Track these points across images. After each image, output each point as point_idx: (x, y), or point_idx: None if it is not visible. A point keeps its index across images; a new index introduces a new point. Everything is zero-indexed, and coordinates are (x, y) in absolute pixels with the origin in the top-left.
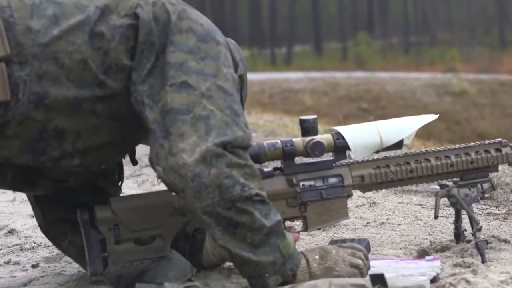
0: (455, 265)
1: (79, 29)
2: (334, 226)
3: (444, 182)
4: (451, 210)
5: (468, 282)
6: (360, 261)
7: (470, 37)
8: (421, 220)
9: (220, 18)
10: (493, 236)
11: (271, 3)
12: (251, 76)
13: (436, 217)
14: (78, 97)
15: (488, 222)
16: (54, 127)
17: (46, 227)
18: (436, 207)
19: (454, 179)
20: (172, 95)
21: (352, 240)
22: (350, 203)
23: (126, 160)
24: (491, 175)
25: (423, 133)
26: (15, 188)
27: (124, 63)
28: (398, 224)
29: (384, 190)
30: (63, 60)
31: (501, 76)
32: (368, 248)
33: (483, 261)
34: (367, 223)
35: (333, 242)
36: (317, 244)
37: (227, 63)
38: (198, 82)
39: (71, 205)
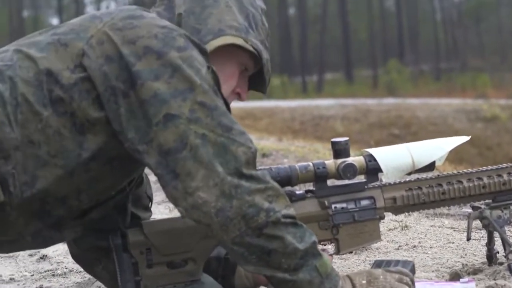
0: None
1: (39, 104)
2: (366, 249)
3: (476, 204)
4: (484, 233)
5: None
6: (405, 287)
7: (501, 63)
8: (453, 243)
9: None
10: None
11: (301, 31)
12: (281, 104)
13: (468, 239)
14: (67, 167)
15: None
16: (53, 198)
17: (78, 255)
18: (469, 229)
19: (487, 201)
20: (162, 134)
21: (397, 262)
22: (382, 226)
23: (158, 186)
24: None
25: (455, 158)
26: (40, 246)
27: (95, 116)
28: (430, 247)
29: (416, 214)
30: (39, 139)
31: None
32: (413, 271)
33: None
34: (399, 246)
35: (377, 263)
36: (349, 268)
37: (196, 64)
38: (179, 106)
39: (103, 233)
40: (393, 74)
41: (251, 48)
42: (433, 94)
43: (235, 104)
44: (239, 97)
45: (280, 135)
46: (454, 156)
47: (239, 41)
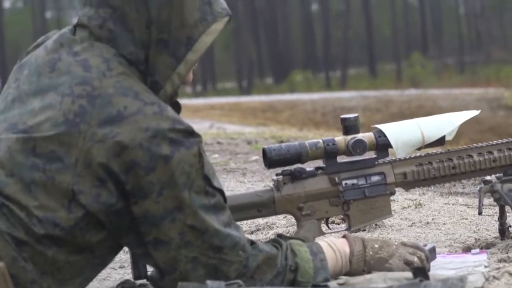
0: (500, 261)
1: (41, 245)
2: (379, 226)
3: (487, 178)
4: (497, 209)
5: (511, 274)
6: (415, 259)
7: None
8: (466, 219)
9: (274, 43)
10: None
11: (324, 27)
12: (303, 97)
13: (480, 213)
14: (82, 277)
15: None
16: None
17: None
18: (480, 203)
19: (498, 174)
20: (153, 253)
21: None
22: (396, 205)
23: None
24: None
25: None
26: None
27: (98, 238)
28: (444, 224)
29: (430, 192)
30: (51, 270)
31: None
32: (433, 253)
33: None
34: (413, 223)
35: None
36: None
37: (186, 168)
38: (168, 230)
39: None
40: (417, 67)
41: (223, 23)
42: (457, 87)
43: (255, 98)
44: None
45: (302, 126)
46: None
47: (212, 36)
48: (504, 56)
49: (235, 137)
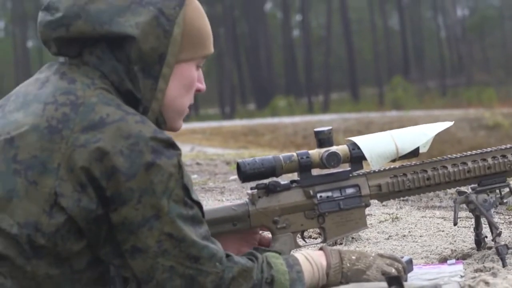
0: (476, 271)
1: (21, 259)
2: (356, 240)
3: (462, 189)
4: (473, 221)
5: (487, 283)
6: (393, 270)
7: (506, 76)
8: (443, 231)
9: (256, 69)
10: None
11: (306, 53)
12: (284, 120)
13: (455, 223)
14: None
15: (510, 230)
16: None
17: None
18: (455, 214)
19: (472, 185)
20: (130, 262)
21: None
22: (373, 218)
23: None
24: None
25: None
26: None
27: (78, 247)
28: (420, 236)
29: (407, 206)
30: (30, 285)
31: None
32: (410, 265)
33: (503, 265)
34: (389, 236)
35: None
36: None
37: (165, 177)
38: (146, 238)
39: None
40: (399, 91)
41: (182, 20)
42: (438, 109)
43: (237, 123)
44: (198, 91)
45: (283, 149)
46: None
47: (177, 43)
48: (486, 78)
49: (214, 158)
